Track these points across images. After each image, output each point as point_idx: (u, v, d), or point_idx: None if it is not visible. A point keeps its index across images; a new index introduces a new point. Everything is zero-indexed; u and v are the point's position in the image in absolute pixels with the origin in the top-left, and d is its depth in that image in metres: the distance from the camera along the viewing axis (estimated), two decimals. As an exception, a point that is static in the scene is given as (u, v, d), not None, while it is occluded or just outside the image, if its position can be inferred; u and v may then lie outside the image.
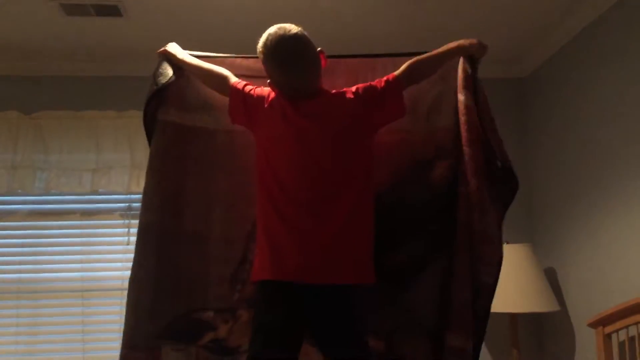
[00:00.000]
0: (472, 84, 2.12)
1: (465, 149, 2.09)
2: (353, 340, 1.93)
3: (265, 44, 1.98)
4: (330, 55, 2.11)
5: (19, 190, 3.40)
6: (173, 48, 2.25)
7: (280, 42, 1.96)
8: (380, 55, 2.29)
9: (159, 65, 2.23)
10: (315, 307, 1.92)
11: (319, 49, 2.04)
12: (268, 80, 2.06)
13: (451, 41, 2.16)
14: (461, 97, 2.11)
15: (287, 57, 1.97)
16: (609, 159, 2.85)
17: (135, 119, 3.39)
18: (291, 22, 2.03)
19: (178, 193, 2.20)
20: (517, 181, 2.06)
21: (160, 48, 2.26)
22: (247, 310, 2.14)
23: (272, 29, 1.99)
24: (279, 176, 1.99)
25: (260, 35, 2.02)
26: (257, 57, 2.15)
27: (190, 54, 2.25)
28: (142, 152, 3.40)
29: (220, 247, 2.19)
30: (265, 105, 2.04)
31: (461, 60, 2.15)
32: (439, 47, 2.17)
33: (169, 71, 2.20)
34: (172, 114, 2.23)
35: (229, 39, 2.63)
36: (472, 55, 2.13)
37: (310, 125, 1.98)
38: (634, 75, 2.68)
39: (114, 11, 2.95)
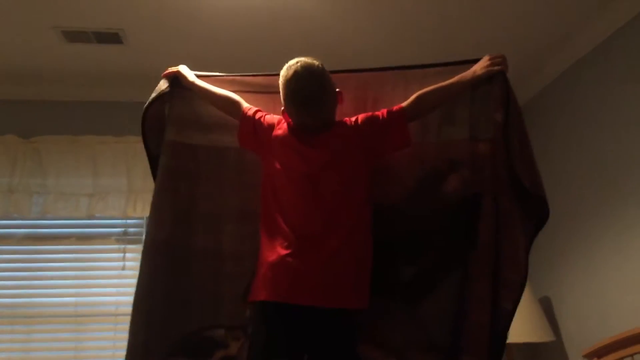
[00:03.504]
0: (503, 99, 2.01)
1: (493, 166, 2.03)
2: None
3: (287, 81, 2.01)
4: (338, 70, 2.11)
5: (15, 215, 3.39)
6: (184, 70, 2.27)
7: (303, 84, 1.99)
8: (390, 68, 2.23)
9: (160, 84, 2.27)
10: (308, 330, 1.92)
11: (337, 89, 2.07)
12: (282, 108, 2.08)
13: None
14: (497, 114, 2.02)
15: (308, 101, 2.00)
16: (607, 188, 2.87)
17: (133, 144, 3.41)
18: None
19: (190, 211, 2.22)
20: (545, 205, 1.97)
21: (165, 71, 2.28)
22: None
23: (298, 66, 2.00)
24: (281, 201, 2.01)
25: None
26: (265, 75, 2.21)
27: (200, 74, 2.28)
28: (140, 177, 3.41)
29: (232, 264, 2.19)
30: (274, 134, 2.07)
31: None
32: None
33: (163, 86, 2.25)
34: (181, 134, 2.26)
35: (228, 69, 2.65)
36: (496, 73, 2.03)
37: (315, 156, 2.01)
38: (635, 103, 2.71)
39: (114, 38, 2.99)
